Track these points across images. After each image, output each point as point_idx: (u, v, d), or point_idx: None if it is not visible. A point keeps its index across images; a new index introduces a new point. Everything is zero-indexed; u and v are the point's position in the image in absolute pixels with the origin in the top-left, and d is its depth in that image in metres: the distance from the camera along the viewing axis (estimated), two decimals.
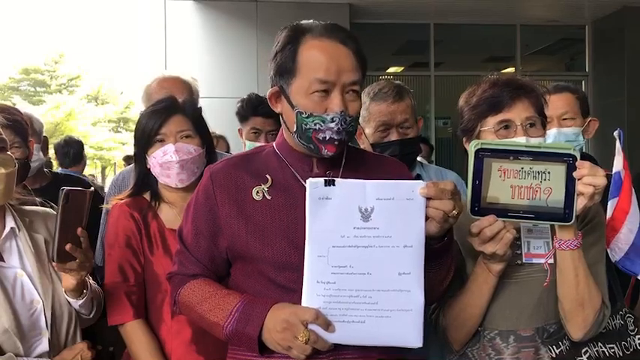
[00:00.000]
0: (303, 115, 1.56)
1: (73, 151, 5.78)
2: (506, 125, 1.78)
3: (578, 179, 1.55)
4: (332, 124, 1.54)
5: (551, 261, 1.70)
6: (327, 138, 1.56)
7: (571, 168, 1.56)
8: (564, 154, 1.56)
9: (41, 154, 2.85)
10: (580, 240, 1.63)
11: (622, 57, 8.91)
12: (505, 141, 1.72)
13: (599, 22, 9.35)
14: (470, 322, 1.75)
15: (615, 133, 2.29)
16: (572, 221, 1.57)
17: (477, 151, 1.56)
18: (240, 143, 3.16)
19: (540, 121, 1.81)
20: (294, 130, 1.59)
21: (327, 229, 1.46)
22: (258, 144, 3.26)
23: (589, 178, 1.54)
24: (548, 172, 1.56)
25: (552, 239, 1.68)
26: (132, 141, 2.26)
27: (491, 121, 1.79)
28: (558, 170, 1.56)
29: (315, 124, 1.55)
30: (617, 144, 2.29)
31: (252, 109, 3.24)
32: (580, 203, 1.56)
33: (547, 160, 1.56)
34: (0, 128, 1.85)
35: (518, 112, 1.77)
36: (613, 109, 8.54)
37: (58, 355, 1.83)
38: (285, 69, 1.58)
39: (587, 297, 1.65)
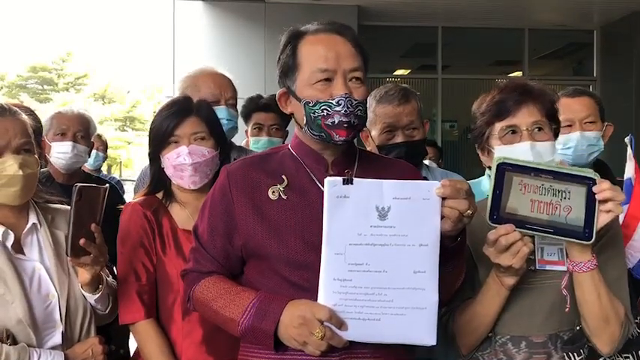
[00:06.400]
0: (310, 105, 1.61)
1: None
2: (513, 130, 1.78)
3: (599, 197, 1.55)
4: (338, 108, 1.59)
5: (562, 268, 1.70)
6: (337, 122, 1.59)
7: (591, 191, 1.56)
8: (585, 177, 1.57)
9: (87, 156, 3.10)
10: (596, 260, 1.63)
11: (630, 62, 8.88)
12: (526, 160, 1.69)
13: (608, 26, 9.32)
14: (480, 330, 1.75)
15: (627, 139, 2.28)
16: (592, 240, 1.57)
17: (499, 165, 1.58)
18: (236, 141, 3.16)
19: (549, 125, 1.80)
20: (305, 122, 1.64)
21: (345, 227, 1.48)
22: (261, 138, 3.30)
23: (608, 193, 1.53)
24: (569, 192, 1.57)
25: (566, 250, 1.68)
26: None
27: (498, 127, 1.80)
28: (579, 191, 1.57)
29: (322, 111, 1.60)
30: (629, 150, 2.27)
31: (254, 105, 3.32)
32: (601, 222, 1.56)
33: (568, 180, 1.57)
34: (30, 128, 1.88)
35: (524, 117, 1.77)
36: (621, 113, 8.49)
37: (70, 349, 1.85)
38: (288, 67, 1.66)
39: (611, 313, 1.65)
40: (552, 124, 1.82)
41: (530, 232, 1.58)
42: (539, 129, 1.78)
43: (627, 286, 1.76)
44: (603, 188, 1.54)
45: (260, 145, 3.29)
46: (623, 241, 1.86)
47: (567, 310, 1.68)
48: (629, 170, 2.28)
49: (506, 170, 1.57)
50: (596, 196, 1.55)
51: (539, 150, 1.77)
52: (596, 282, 1.63)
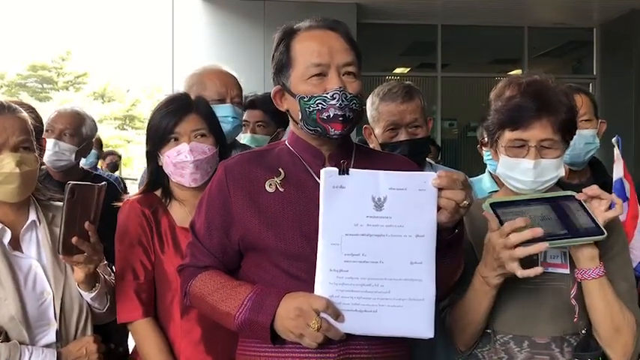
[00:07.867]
0: (305, 99, 1.62)
1: None
2: (521, 145, 1.75)
3: (590, 193, 1.67)
4: (333, 101, 1.59)
5: (565, 271, 1.72)
6: (332, 116, 1.60)
7: (576, 200, 1.67)
8: (564, 196, 1.70)
9: (73, 155, 3.07)
10: (603, 268, 1.64)
11: (630, 60, 8.88)
12: (510, 197, 1.75)
13: (608, 24, 9.32)
14: (471, 327, 1.75)
15: (613, 140, 2.29)
16: (606, 234, 1.61)
17: (491, 205, 1.64)
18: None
19: (560, 140, 1.75)
20: (300, 118, 1.64)
21: (341, 218, 1.48)
22: (245, 135, 3.31)
23: (596, 191, 1.66)
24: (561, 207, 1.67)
25: (573, 257, 1.69)
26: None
27: (507, 136, 1.76)
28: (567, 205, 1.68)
29: (317, 105, 1.60)
30: (616, 151, 2.28)
31: (245, 104, 3.33)
32: (605, 218, 1.64)
33: (555, 200, 1.68)
34: (30, 126, 1.88)
35: (535, 133, 1.72)
36: (621, 111, 8.50)
37: (65, 347, 1.85)
38: (282, 64, 1.67)
39: (622, 323, 1.66)
40: (566, 136, 1.77)
41: (554, 242, 1.59)
42: (548, 146, 1.74)
43: (637, 297, 1.76)
44: (587, 189, 1.67)
45: (244, 142, 3.29)
46: (629, 253, 1.85)
47: (576, 320, 1.69)
48: (619, 171, 2.29)
49: (501, 207, 1.64)
50: (588, 193, 1.67)
51: (542, 167, 1.74)
52: (605, 289, 1.64)
